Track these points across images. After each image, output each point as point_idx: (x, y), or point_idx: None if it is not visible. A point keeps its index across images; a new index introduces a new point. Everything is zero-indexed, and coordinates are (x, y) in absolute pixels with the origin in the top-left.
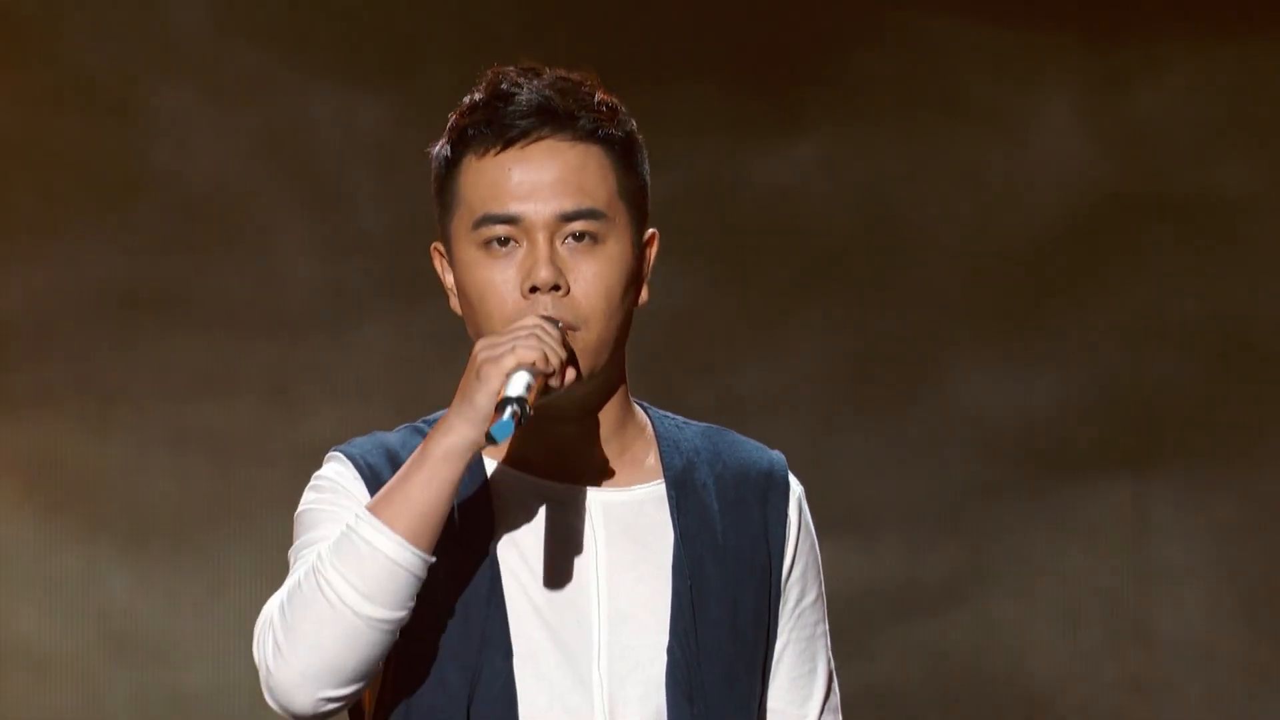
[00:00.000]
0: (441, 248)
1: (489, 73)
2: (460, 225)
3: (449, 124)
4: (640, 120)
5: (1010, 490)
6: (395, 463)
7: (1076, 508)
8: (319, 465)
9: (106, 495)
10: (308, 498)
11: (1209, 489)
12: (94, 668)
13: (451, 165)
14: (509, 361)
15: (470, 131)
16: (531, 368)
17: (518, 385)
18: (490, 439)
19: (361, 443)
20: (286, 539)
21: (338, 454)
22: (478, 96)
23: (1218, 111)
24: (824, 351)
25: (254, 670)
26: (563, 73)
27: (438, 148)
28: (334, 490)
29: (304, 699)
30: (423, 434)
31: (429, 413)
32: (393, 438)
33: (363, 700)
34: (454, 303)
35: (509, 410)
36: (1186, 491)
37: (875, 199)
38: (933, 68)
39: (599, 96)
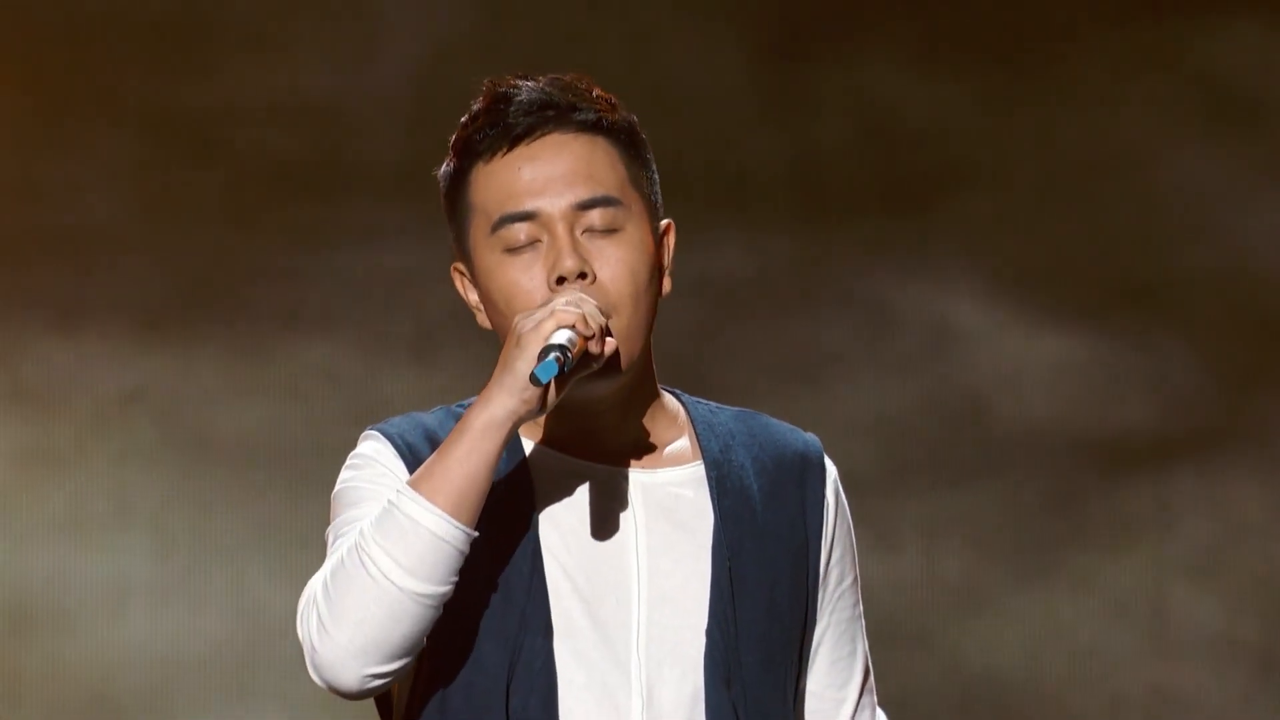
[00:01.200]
0: (461, 267)
1: (485, 84)
2: (478, 233)
3: (452, 141)
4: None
5: (1030, 488)
6: (433, 441)
7: (1096, 505)
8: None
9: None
10: (344, 476)
11: (1230, 485)
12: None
13: (461, 176)
14: (549, 325)
15: (476, 138)
16: (572, 329)
17: (560, 336)
18: (535, 380)
19: (398, 422)
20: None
21: (374, 433)
22: (477, 107)
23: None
24: (835, 340)
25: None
26: (556, 75)
27: (444, 167)
28: (371, 467)
29: (350, 676)
30: (459, 417)
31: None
32: (429, 418)
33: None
34: (481, 319)
35: (552, 354)
36: (1208, 488)
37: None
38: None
39: (596, 91)
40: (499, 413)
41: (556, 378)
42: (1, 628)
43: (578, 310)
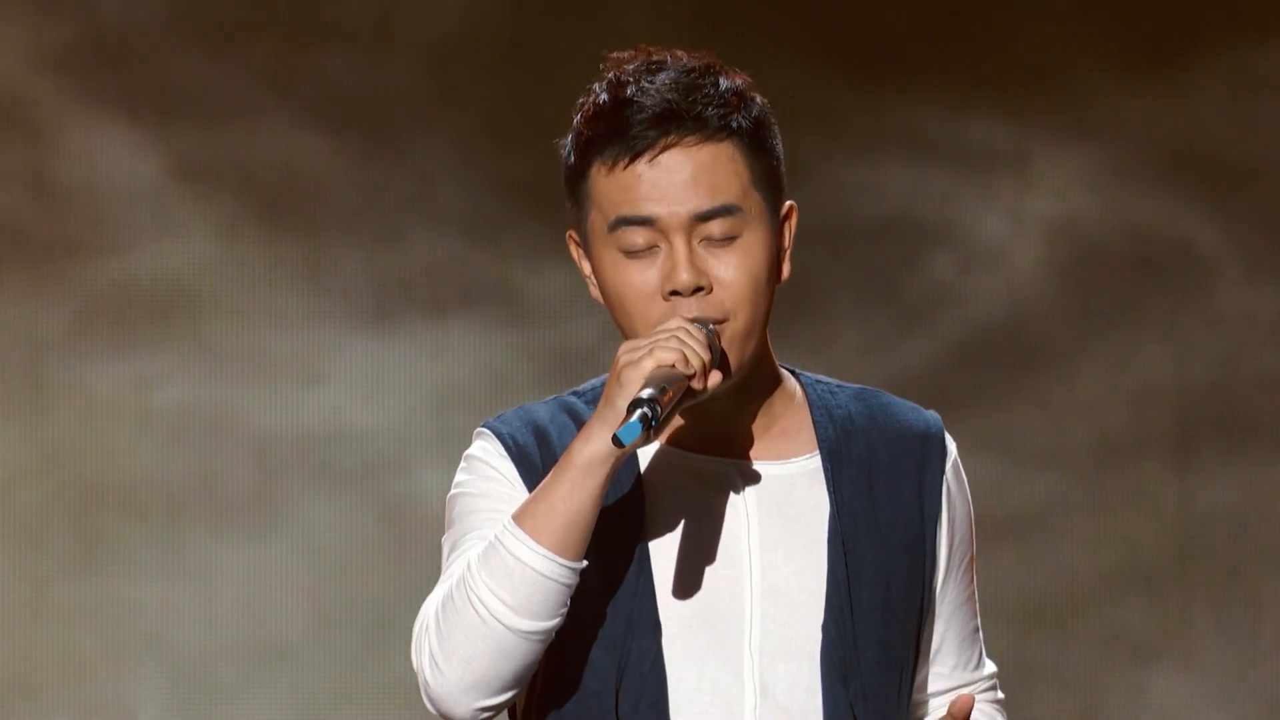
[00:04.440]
0: (576, 236)
1: (610, 71)
2: (595, 228)
3: (574, 124)
4: None
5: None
6: (542, 438)
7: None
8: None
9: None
10: (459, 479)
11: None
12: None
13: (581, 170)
14: (648, 364)
15: (597, 141)
16: (671, 369)
17: (647, 391)
18: (617, 442)
19: (509, 417)
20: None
21: (485, 430)
22: (602, 99)
23: None
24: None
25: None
26: (684, 60)
27: (566, 148)
28: (480, 469)
29: (463, 709)
30: (570, 408)
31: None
32: (541, 411)
33: None
34: (593, 291)
35: (638, 412)
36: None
37: None
38: None
39: (724, 84)
40: (601, 449)
41: (651, 426)
42: None
43: (678, 350)
